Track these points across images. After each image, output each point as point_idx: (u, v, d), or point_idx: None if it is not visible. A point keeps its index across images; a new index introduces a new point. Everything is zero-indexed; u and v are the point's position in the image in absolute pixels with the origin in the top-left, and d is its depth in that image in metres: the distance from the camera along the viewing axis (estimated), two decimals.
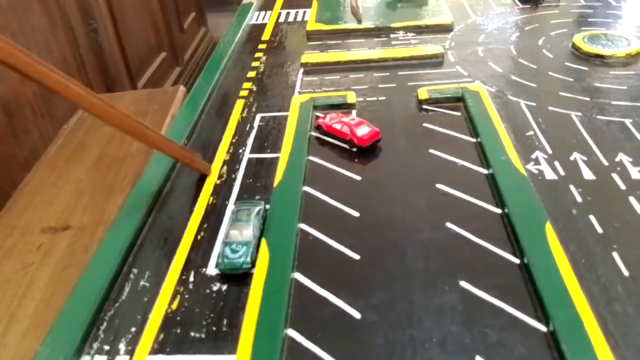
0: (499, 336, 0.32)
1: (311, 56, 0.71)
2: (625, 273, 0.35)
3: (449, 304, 0.34)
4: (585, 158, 0.47)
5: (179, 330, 0.33)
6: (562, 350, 0.30)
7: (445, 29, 0.77)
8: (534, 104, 0.56)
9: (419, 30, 0.78)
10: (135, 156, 0.99)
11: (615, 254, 0.37)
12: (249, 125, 0.57)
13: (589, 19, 0.79)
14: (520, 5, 0.86)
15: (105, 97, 1.36)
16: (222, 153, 0.52)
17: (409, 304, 0.34)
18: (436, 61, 0.68)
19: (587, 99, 0.57)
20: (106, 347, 0.33)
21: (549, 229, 0.38)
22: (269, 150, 0.52)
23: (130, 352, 0.32)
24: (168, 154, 0.45)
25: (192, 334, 0.33)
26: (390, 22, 0.79)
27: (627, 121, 0.52)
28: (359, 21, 0.81)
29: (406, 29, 0.78)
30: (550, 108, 0.55)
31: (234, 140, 0.54)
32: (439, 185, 0.45)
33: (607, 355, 0.29)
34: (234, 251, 0.38)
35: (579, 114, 0.54)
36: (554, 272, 0.34)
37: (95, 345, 0.33)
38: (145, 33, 1.83)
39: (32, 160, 1.00)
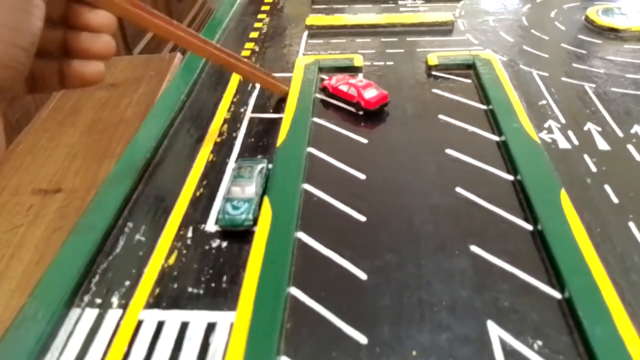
0: (511, 302, 0.30)
1: (316, 19, 0.68)
2: None
3: (458, 268, 0.33)
4: (599, 129, 0.46)
5: (175, 286, 0.32)
6: (579, 317, 0.28)
7: None
8: (546, 74, 0.54)
9: None
10: (130, 122, 0.97)
11: (631, 224, 0.35)
12: (250, 84, 0.55)
13: None
14: None
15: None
16: (222, 111, 0.50)
17: (417, 267, 0.33)
18: (446, 29, 0.66)
19: (601, 71, 0.55)
20: (98, 300, 0.31)
21: (564, 196, 0.36)
22: (271, 111, 0.50)
23: (124, 306, 0.30)
24: (258, 81, 0.50)
25: (190, 289, 0.31)
26: None
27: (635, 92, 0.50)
28: None
29: None
30: (563, 79, 0.54)
31: (235, 99, 0.52)
32: (448, 151, 0.43)
33: (625, 322, 0.28)
34: (235, 207, 0.36)
35: (593, 85, 0.52)
36: (570, 239, 0.33)
37: (87, 298, 0.31)
38: (141, 1, 1.79)
39: (23, 122, 0.97)
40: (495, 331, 0.29)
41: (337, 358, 0.27)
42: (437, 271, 0.32)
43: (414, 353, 0.27)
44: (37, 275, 0.60)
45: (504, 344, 0.28)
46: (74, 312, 0.30)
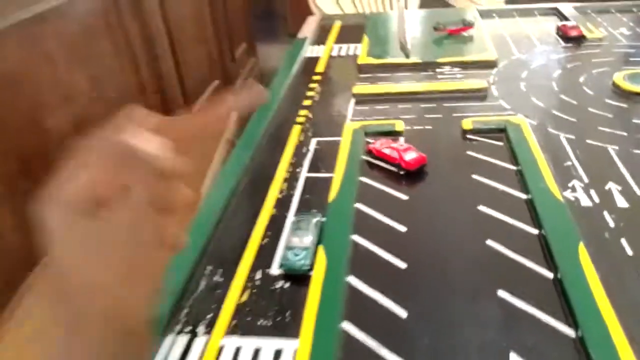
0: (534, 340, 0.35)
1: (362, 87, 0.76)
2: None
3: (488, 311, 0.38)
4: (619, 188, 0.50)
5: (249, 319, 0.39)
6: (588, 352, 0.33)
7: (490, 64, 0.82)
8: (572, 136, 0.60)
9: (464, 65, 0.83)
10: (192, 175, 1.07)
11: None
12: (305, 148, 0.63)
13: (630, 58, 0.82)
14: (563, 44, 0.90)
15: (167, 120, 1.45)
16: (282, 172, 0.58)
17: (450, 311, 0.38)
18: (480, 95, 0.73)
19: (625, 133, 0.60)
20: (188, 328, 0.38)
21: (582, 248, 0.42)
22: (323, 171, 0.58)
23: (209, 333, 0.37)
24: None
25: (260, 321, 0.38)
26: (437, 57, 0.85)
27: None
28: (407, 56, 0.87)
29: (452, 64, 0.83)
30: (589, 141, 0.59)
31: (292, 161, 0.60)
32: (480, 207, 0.49)
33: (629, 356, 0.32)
34: (295, 254, 0.43)
35: (616, 147, 0.57)
36: (584, 286, 0.38)
37: (178, 327, 0.38)
38: (200, 62, 1.95)
39: None
40: None
41: None
42: (468, 314, 0.38)
43: None
44: None
45: None
46: (168, 340, 0.38)
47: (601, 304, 0.36)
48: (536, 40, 0.93)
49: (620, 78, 0.72)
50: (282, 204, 0.52)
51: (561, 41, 0.92)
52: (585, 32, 0.91)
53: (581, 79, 0.76)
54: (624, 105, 0.67)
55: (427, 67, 0.83)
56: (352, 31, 1.05)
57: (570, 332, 0.36)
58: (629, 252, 0.42)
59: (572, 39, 0.91)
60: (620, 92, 0.71)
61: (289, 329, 0.37)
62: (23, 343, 0.59)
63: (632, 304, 0.37)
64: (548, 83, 0.75)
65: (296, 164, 0.60)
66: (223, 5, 2.20)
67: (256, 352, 0.36)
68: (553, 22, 0.99)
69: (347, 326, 0.37)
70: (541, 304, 0.38)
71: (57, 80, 1.15)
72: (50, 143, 1.09)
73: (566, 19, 0.99)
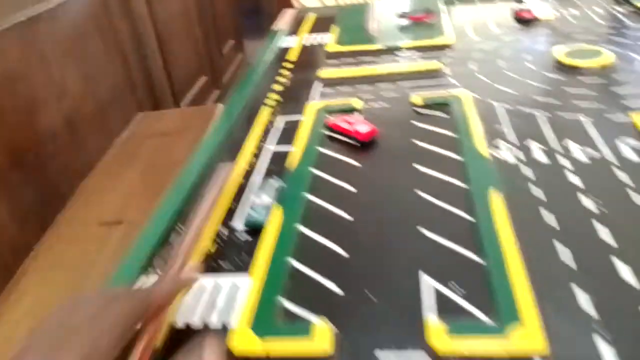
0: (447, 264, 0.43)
1: (328, 72, 0.84)
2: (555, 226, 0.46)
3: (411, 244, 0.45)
4: (543, 147, 0.58)
5: (213, 264, 0.46)
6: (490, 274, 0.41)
7: (447, 48, 0.89)
8: (509, 106, 0.67)
9: (423, 49, 0.90)
10: (181, 164, 1.14)
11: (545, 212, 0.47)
12: (273, 126, 0.70)
13: (575, 36, 0.89)
14: (518, 26, 0.97)
15: (153, 114, 1.52)
16: (250, 147, 0.65)
17: (383, 250, 0.46)
18: (434, 75, 0.80)
19: (558, 102, 0.67)
20: (157, 270, 0.46)
21: (495, 194, 0.49)
22: (288, 145, 0.65)
23: None
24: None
25: (223, 263, 0.46)
26: (399, 43, 0.92)
27: (582, 118, 0.62)
28: (372, 42, 0.94)
29: (412, 48, 0.90)
30: (521, 108, 0.66)
31: (261, 138, 0.67)
32: (419, 167, 0.56)
33: (522, 279, 0.40)
34: (256, 212, 0.51)
35: (548, 113, 0.65)
36: (493, 225, 0.45)
37: (149, 270, 0.46)
38: (188, 58, 2.02)
39: (87, 169, 1.14)
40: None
41: (316, 301, 0.41)
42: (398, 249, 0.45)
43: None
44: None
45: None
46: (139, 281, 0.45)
47: (504, 239, 0.44)
48: (493, 24, 1.00)
49: (562, 54, 0.80)
50: (250, 174, 0.60)
51: (516, 24, 0.99)
52: (538, 15, 0.98)
53: (528, 57, 0.83)
54: (562, 78, 0.74)
55: (389, 52, 0.90)
56: (325, 22, 1.12)
57: (479, 260, 0.43)
58: (543, 198, 0.50)
59: (526, 22, 0.98)
60: (560, 67, 0.78)
61: (246, 268, 0.45)
62: None
63: (533, 239, 0.45)
64: (496, 62, 0.83)
65: (264, 139, 0.67)
66: (210, 3, 2.26)
67: (216, 286, 0.43)
68: (510, 7, 1.06)
69: (296, 264, 0.45)
70: (457, 240, 0.45)
71: (50, 79, 1.22)
72: (43, 138, 1.16)
73: (522, 2, 1.06)
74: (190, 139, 1.20)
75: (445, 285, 0.41)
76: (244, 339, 0.38)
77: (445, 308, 0.39)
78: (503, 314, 0.38)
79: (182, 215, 0.54)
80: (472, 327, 0.37)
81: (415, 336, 0.37)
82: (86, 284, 0.82)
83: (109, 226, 0.97)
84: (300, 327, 0.38)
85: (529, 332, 0.36)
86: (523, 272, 0.41)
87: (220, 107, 1.35)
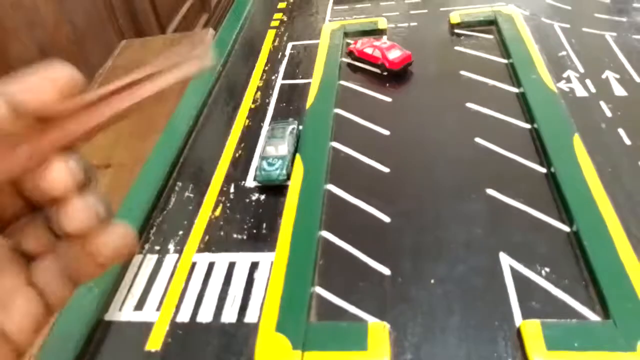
0: (525, 237, 0.33)
1: None
2: None
3: (475, 210, 0.36)
4: (617, 76, 0.47)
5: (222, 233, 0.36)
6: (584, 247, 0.31)
7: None
8: (567, 25, 0.55)
9: None
10: (169, 98, 1.02)
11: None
12: (280, 53, 0.58)
13: None
14: None
15: (137, 42, 1.37)
16: (255, 80, 0.54)
17: (436, 211, 0.36)
18: None
19: (624, 19, 0.55)
20: (157, 247, 0.36)
21: (577, 140, 0.39)
22: (300, 77, 0.54)
23: (179, 251, 0.35)
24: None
25: (235, 235, 0.36)
26: None
27: None
28: None
29: None
30: (584, 29, 0.55)
31: (266, 68, 0.56)
32: (468, 104, 0.46)
33: (630, 254, 0.30)
34: (270, 164, 0.40)
35: (614, 34, 0.53)
36: (580, 179, 0.35)
37: (147, 246, 0.36)
38: None
39: None
40: (506, 261, 0.32)
41: (364, 287, 0.31)
42: (454, 214, 0.36)
43: (432, 281, 0.31)
44: None
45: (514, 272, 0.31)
46: (137, 258, 0.35)
47: (597, 196, 0.34)
48: None
49: None
50: (256, 114, 0.49)
51: None
52: None
53: None
54: None
55: None
56: None
57: (564, 227, 0.33)
58: (627, 141, 0.40)
59: None
60: None
61: (265, 241, 0.35)
62: None
63: (628, 195, 0.35)
64: None
65: (270, 70, 0.55)
66: None
67: (231, 266, 0.34)
68: None
69: (327, 234, 0.35)
70: (532, 201, 0.35)
71: (19, 3, 1.07)
72: (16, 69, 1.03)
73: None
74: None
75: (531, 268, 0.32)
76: (272, 347, 0.29)
77: (531, 297, 0.30)
78: (623, 312, 0.28)
79: (177, 167, 0.43)
80: (579, 333, 0.28)
81: (496, 344, 0.28)
82: None
83: (97, 170, 0.87)
84: (348, 330, 0.29)
85: None
86: (630, 246, 0.31)
87: (211, 32, 1.21)
